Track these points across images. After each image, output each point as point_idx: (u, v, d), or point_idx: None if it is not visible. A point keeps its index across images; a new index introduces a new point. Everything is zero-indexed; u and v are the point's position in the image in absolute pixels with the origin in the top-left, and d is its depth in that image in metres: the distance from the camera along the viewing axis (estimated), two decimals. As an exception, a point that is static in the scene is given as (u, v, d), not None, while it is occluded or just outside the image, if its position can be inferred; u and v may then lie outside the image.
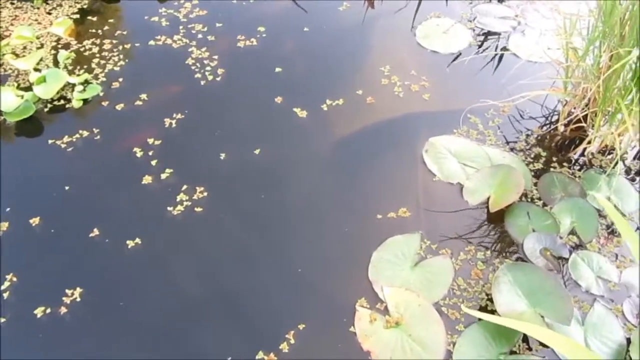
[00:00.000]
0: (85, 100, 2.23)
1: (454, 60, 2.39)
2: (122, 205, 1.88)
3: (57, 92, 2.23)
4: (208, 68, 2.37)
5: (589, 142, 1.98)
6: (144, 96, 2.24)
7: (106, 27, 2.58)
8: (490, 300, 1.62)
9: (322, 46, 2.50)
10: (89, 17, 2.63)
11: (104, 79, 2.33)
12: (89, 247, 1.77)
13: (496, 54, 2.41)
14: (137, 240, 1.78)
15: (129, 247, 1.76)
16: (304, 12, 2.66)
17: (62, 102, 2.24)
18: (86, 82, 2.29)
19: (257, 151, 2.04)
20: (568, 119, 2.03)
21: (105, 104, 2.23)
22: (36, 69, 2.30)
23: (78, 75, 2.32)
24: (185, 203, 1.88)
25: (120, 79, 2.33)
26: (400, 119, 2.17)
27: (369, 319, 1.60)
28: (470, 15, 2.62)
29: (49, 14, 2.64)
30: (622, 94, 1.78)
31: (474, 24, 2.57)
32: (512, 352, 1.51)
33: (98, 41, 2.50)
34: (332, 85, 2.29)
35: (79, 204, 1.89)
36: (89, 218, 1.84)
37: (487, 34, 2.53)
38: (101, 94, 2.26)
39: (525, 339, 1.54)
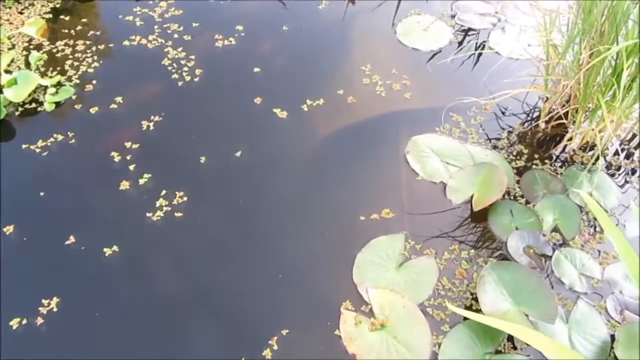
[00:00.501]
0: (57, 104, 2.17)
1: (433, 57, 2.38)
2: (99, 212, 1.83)
3: (29, 95, 2.16)
4: (185, 68, 2.32)
5: (570, 139, 1.99)
6: (119, 99, 2.18)
7: (79, 27, 2.51)
8: (475, 299, 1.61)
9: (301, 45, 2.46)
10: (62, 17, 2.56)
11: (78, 81, 2.26)
12: (65, 255, 1.72)
13: (477, 52, 2.40)
14: (115, 247, 1.73)
15: (106, 254, 1.71)
16: (283, 11, 2.62)
17: (33, 105, 2.18)
18: (59, 85, 2.23)
19: (238, 153, 2.00)
20: (549, 115, 2.03)
21: (78, 107, 2.17)
22: (7, 71, 2.23)
23: (50, 77, 2.25)
24: (165, 208, 1.83)
25: (94, 81, 2.27)
26: (381, 118, 2.15)
27: (354, 322, 1.58)
28: (451, 12, 2.61)
29: (21, 13, 2.56)
30: (602, 91, 1.79)
31: (454, 21, 2.56)
32: (498, 352, 1.51)
33: (71, 42, 2.43)
34: (312, 85, 2.26)
35: (54, 211, 1.83)
36: (65, 225, 1.79)
37: (468, 31, 2.52)
38: (74, 97, 2.20)
39: (511, 337, 1.54)
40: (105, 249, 1.72)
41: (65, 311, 1.59)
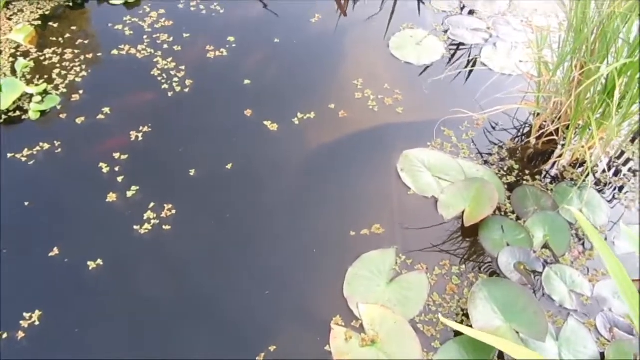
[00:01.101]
0: (43, 112, 2.13)
1: (425, 72, 2.38)
2: (85, 223, 1.80)
3: (14, 103, 2.12)
4: (175, 79, 2.29)
5: (560, 155, 2.00)
6: (107, 110, 2.15)
7: (68, 35, 2.47)
8: (466, 315, 1.60)
9: (293, 58, 2.44)
10: (51, 24, 2.53)
11: (65, 90, 2.23)
12: (49, 267, 1.68)
13: (468, 67, 2.41)
14: (99, 261, 1.69)
15: (90, 268, 1.68)
16: (275, 23, 2.60)
17: (18, 113, 2.14)
18: (45, 93, 2.19)
19: (228, 166, 1.97)
20: (540, 132, 2.04)
21: (64, 116, 2.13)
22: (-8, 78, 2.19)
23: (36, 85, 2.22)
24: (153, 221, 1.80)
25: (82, 91, 2.23)
26: (373, 132, 2.14)
27: (344, 337, 1.56)
28: (443, 26, 2.63)
29: (9, 19, 2.53)
30: (592, 108, 1.80)
31: (446, 35, 2.58)
32: (488, 369, 1.50)
33: (59, 50, 2.39)
34: (304, 99, 2.24)
35: (39, 221, 1.79)
36: (50, 236, 1.75)
37: (460, 46, 2.54)
38: (59, 107, 2.16)
39: (501, 355, 1.53)
40: (89, 262, 1.69)
41: (48, 326, 1.55)
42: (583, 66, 1.75)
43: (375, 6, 2.75)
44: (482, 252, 1.78)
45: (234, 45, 2.47)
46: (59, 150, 2.01)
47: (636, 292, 1.22)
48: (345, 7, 2.73)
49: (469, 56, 2.48)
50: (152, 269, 1.70)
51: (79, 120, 2.11)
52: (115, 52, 2.40)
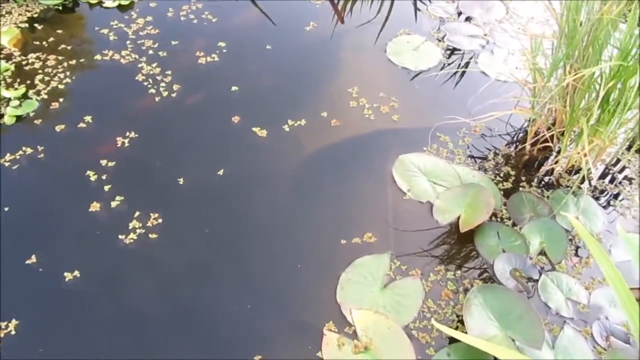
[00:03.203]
0: (19, 117, 2.07)
1: (421, 78, 2.37)
2: (68, 231, 1.76)
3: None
4: (163, 84, 2.25)
5: (556, 162, 1.99)
6: (88, 118, 2.09)
7: (53, 39, 2.42)
8: (461, 322, 1.58)
9: (285, 65, 2.40)
10: (38, 27, 2.49)
11: (46, 97, 2.18)
12: (26, 274, 1.63)
13: (465, 73, 2.41)
14: (76, 272, 1.65)
15: (67, 279, 1.63)
16: (268, 31, 2.56)
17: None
18: (24, 97, 2.14)
19: (220, 172, 1.94)
20: (535, 138, 2.03)
21: (39, 121, 2.08)
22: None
23: (16, 89, 2.16)
24: (138, 231, 1.76)
25: (66, 94, 2.18)
26: (368, 138, 2.12)
27: (337, 344, 1.53)
28: (440, 32, 2.63)
29: (-3, 21, 2.49)
30: (587, 115, 1.80)
31: (443, 41, 2.57)
32: (483, 378, 1.47)
33: (43, 56, 2.34)
34: (295, 106, 2.20)
35: (19, 227, 1.75)
36: (28, 243, 1.71)
37: (457, 52, 2.53)
38: (37, 112, 2.11)
39: (497, 362, 1.51)
40: (66, 273, 1.64)
41: (25, 335, 1.51)
42: (576, 73, 1.74)
43: (372, 13, 2.74)
44: (477, 258, 1.76)
45: (224, 51, 2.44)
46: (42, 155, 1.97)
47: (634, 301, 1.20)
48: (342, 14, 2.72)
49: (466, 62, 2.48)
50: (135, 280, 1.65)
51: (58, 128, 2.06)
52: (100, 57, 2.36)
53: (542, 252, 1.77)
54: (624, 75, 1.64)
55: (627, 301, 1.17)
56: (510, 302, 1.60)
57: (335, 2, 2.78)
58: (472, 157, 2.06)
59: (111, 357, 1.48)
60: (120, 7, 2.62)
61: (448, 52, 2.53)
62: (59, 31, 2.47)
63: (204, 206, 1.85)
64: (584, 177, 1.92)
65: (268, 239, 1.78)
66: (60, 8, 2.61)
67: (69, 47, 2.38)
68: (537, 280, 1.69)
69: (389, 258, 1.73)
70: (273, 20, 2.62)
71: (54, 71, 2.28)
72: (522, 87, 2.08)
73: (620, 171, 2.03)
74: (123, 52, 2.39)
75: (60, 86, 2.23)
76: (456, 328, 1.58)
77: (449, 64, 2.46)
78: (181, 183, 1.90)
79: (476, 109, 2.14)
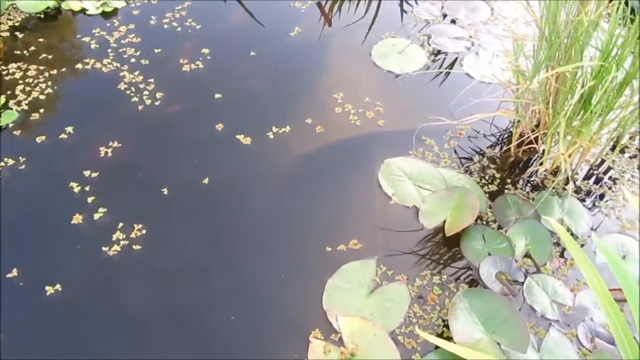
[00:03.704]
0: None
1: (407, 80, 2.37)
2: (51, 244, 1.74)
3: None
4: (146, 93, 2.23)
5: (541, 164, 1.99)
6: (70, 129, 2.07)
7: (34, 48, 2.39)
8: (447, 326, 1.58)
9: (269, 72, 2.38)
10: (20, 36, 2.46)
11: (26, 107, 2.15)
12: (7, 288, 1.62)
13: (449, 73, 2.41)
14: (57, 286, 1.63)
15: (48, 293, 1.62)
16: (252, 37, 2.54)
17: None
18: (4, 108, 2.11)
19: (205, 180, 1.93)
20: (520, 139, 2.04)
21: (19, 132, 2.06)
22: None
23: None
24: (122, 242, 1.74)
25: (43, 108, 2.16)
26: (353, 142, 2.11)
27: (322, 351, 1.53)
28: (425, 35, 2.63)
29: (-22, 31, 2.46)
30: (569, 116, 1.80)
31: (429, 44, 2.57)
32: (469, 382, 1.47)
33: (24, 65, 2.31)
34: (280, 114, 2.18)
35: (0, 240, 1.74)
36: (10, 256, 1.69)
37: (442, 54, 2.54)
38: (17, 123, 2.09)
39: (482, 367, 1.51)
40: (47, 287, 1.62)
41: (4, 349, 1.49)
42: (558, 74, 1.75)
43: (357, 15, 2.74)
44: (463, 261, 1.77)
45: (208, 58, 2.42)
46: (23, 167, 1.95)
47: (614, 302, 1.20)
48: (330, 16, 2.72)
49: (451, 64, 2.48)
50: (118, 292, 1.63)
51: (39, 139, 2.04)
52: (80, 66, 2.33)
53: (528, 255, 1.78)
54: (605, 76, 1.64)
55: (607, 303, 1.17)
56: (496, 305, 1.60)
57: (323, 5, 2.78)
58: (457, 159, 2.06)
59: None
60: (104, 14, 2.60)
61: (433, 54, 2.53)
62: (41, 40, 2.45)
63: (189, 215, 1.84)
64: (568, 179, 1.92)
65: (254, 247, 1.77)
66: (43, 16, 2.59)
67: (50, 57, 2.36)
68: (522, 283, 1.69)
69: (375, 263, 1.73)
70: (258, 27, 2.61)
71: (35, 81, 2.26)
72: (504, 89, 2.09)
73: (605, 172, 2.04)
74: (105, 61, 2.37)
75: (42, 96, 2.21)
76: (442, 332, 1.58)
77: (434, 67, 2.46)
78: (166, 193, 1.89)
79: (461, 112, 2.14)
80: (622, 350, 1.12)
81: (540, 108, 1.88)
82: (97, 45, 2.44)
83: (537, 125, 1.99)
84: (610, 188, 1.98)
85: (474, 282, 1.71)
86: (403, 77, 2.38)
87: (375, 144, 2.10)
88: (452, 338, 1.53)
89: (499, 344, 1.52)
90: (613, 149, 2.08)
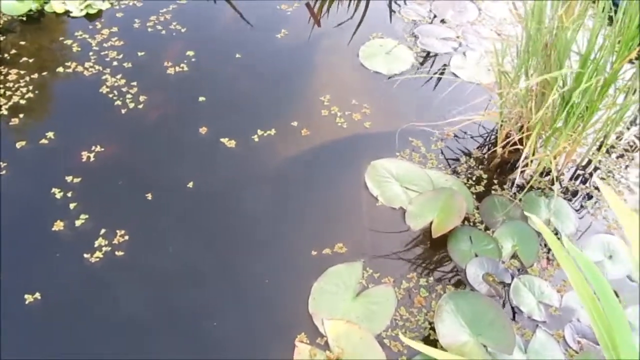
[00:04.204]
0: None
1: (394, 82, 2.36)
2: (31, 252, 1.71)
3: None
4: (129, 96, 2.20)
5: (527, 165, 1.99)
6: (50, 134, 2.04)
7: (15, 51, 2.35)
8: (434, 329, 1.57)
9: (255, 74, 2.36)
10: (1, 38, 2.41)
11: (6, 112, 2.12)
12: None
13: (436, 74, 2.40)
14: (37, 294, 1.60)
15: (27, 302, 1.59)
16: (240, 40, 2.51)
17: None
18: None
19: (190, 184, 1.91)
20: (506, 140, 2.03)
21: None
22: None
23: None
24: (104, 249, 1.71)
25: (23, 113, 2.12)
26: (339, 144, 2.10)
27: (308, 355, 1.51)
28: (413, 35, 2.62)
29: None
30: (553, 117, 1.80)
31: (416, 44, 2.57)
32: (456, 385, 1.46)
33: (5, 69, 2.27)
34: (265, 117, 2.16)
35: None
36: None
37: (429, 55, 2.53)
38: None
39: (469, 369, 1.50)
40: (26, 295, 1.60)
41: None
42: (540, 76, 1.74)
43: (345, 15, 2.73)
44: (450, 263, 1.76)
45: (193, 60, 2.39)
46: (4, 172, 1.92)
47: (598, 305, 1.19)
48: (318, 17, 2.70)
49: (438, 65, 2.47)
50: (100, 299, 1.61)
51: (19, 145, 2.00)
52: (61, 69, 2.30)
53: (515, 256, 1.77)
54: (585, 80, 1.64)
55: (590, 305, 1.16)
56: (482, 307, 1.59)
57: (312, 5, 2.76)
58: (444, 160, 2.06)
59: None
60: (88, 16, 2.57)
61: (421, 55, 2.52)
62: (22, 43, 2.41)
63: (173, 220, 1.82)
64: (554, 179, 1.92)
65: (239, 251, 1.76)
66: (25, 19, 2.55)
67: (31, 60, 2.32)
68: (509, 284, 1.69)
69: (361, 266, 1.72)
70: (244, 29, 2.59)
71: (16, 85, 2.22)
72: (489, 92, 2.08)
73: (591, 172, 2.04)
74: (87, 64, 2.33)
75: (22, 101, 2.17)
76: (428, 335, 1.57)
77: (421, 68, 2.45)
78: (150, 198, 1.86)
79: (448, 112, 2.13)
80: (605, 352, 1.11)
81: (524, 110, 1.87)
82: (79, 49, 2.41)
83: (522, 127, 1.98)
84: (597, 188, 1.98)
85: (461, 284, 1.70)
86: (392, 78, 2.37)
87: (362, 145, 2.09)
88: (437, 341, 1.52)
89: (485, 346, 1.52)
90: (599, 148, 2.08)
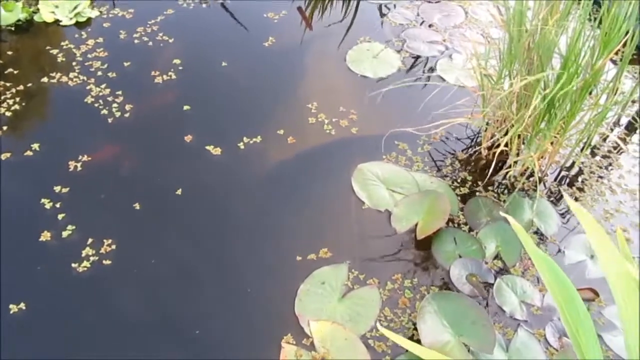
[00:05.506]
0: None
1: (380, 85, 2.38)
2: (20, 261, 1.73)
3: None
4: (115, 105, 2.22)
5: (511, 166, 2.02)
6: (35, 146, 2.05)
7: (1, 62, 2.36)
8: (417, 329, 1.59)
9: (241, 82, 2.38)
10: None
11: None
12: None
13: (421, 78, 2.43)
14: (22, 304, 1.61)
15: (11, 312, 1.60)
16: (228, 49, 2.54)
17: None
18: None
19: (178, 192, 1.93)
20: (491, 141, 2.06)
21: None
22: None
23: None
24: (92, 258, 1.73)
25: (7, 125, 2.13)
26: (326, 148, 2.13)
27: (294, 356, 1.54)
28: (400, 39, 2.65)
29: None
30: (536, 119, 1.83)
31: (403, 48, 2.60)
32: (438, 384, 1.49)
33: None
34: (251, 125, 2.18)
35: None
36: None
37: (416, 59, 2.56)
38: None
39: (451, 369, 1.52)
40: (11, 305, 1.61)
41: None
42: (522, 79, 1.77)
43: (333, 19, 2.76)
44: (435, 264, 1.79)
45: (180, 68, 2.41)
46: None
47: (579, 303, 1.21)
48: (310, 21, 2.74)
49: (425, 69, 2.50)
50: (87, 308, 1.63)
51: (4, 157, 2.02)
52: (45, 80, 2.31)
53: (498, 256, 1.80)
54: (566, 84, 1.67)
55: (565, 306, 1.19)
56: (464, 307, 1.62)
57: (304, 9, 2.80)
58: (430, 163, 2.09)
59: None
60: (78, 25, 2.58)
61: (408, 59, 2.55)
62: (9, 53, 2.42)
63: (160, 228, 1.84)
64: (537, 180, 1.95)
65: (227, 256, 1.78)
66: (13, 28, 2.56)
67: (16, 72, 2.32)
68: (492, 284, 1.72)
69: (346, 268, 1.75)
70: (231, 38, 2.62)
71: (2, 97, 2.23)
72: (472, 94, 2.11)
73: (576, 174, 2.07)
74: (71, 74, 2.34)
75: (8, 113, 2.18)
76: (412, 335, 1.60)
77: (408, 71, 2.48)
78: (138, 208, 1.88)
79: (435, 116, 2.16)
80: (577, 352, 1.14)
81: (507, 112, 1.90)
82: (64, 59, 2.42)
83: (506, 129, 2.01)
84: (581, 189, 2.01)
85: (445, 285, 1.73)
86: (378, 84, 2.40)
87: (349, 149, 2.12)
88: (420, 341, 1.55)
89: (467, 346, 1.54)
90: (583, 149, 2.11)
